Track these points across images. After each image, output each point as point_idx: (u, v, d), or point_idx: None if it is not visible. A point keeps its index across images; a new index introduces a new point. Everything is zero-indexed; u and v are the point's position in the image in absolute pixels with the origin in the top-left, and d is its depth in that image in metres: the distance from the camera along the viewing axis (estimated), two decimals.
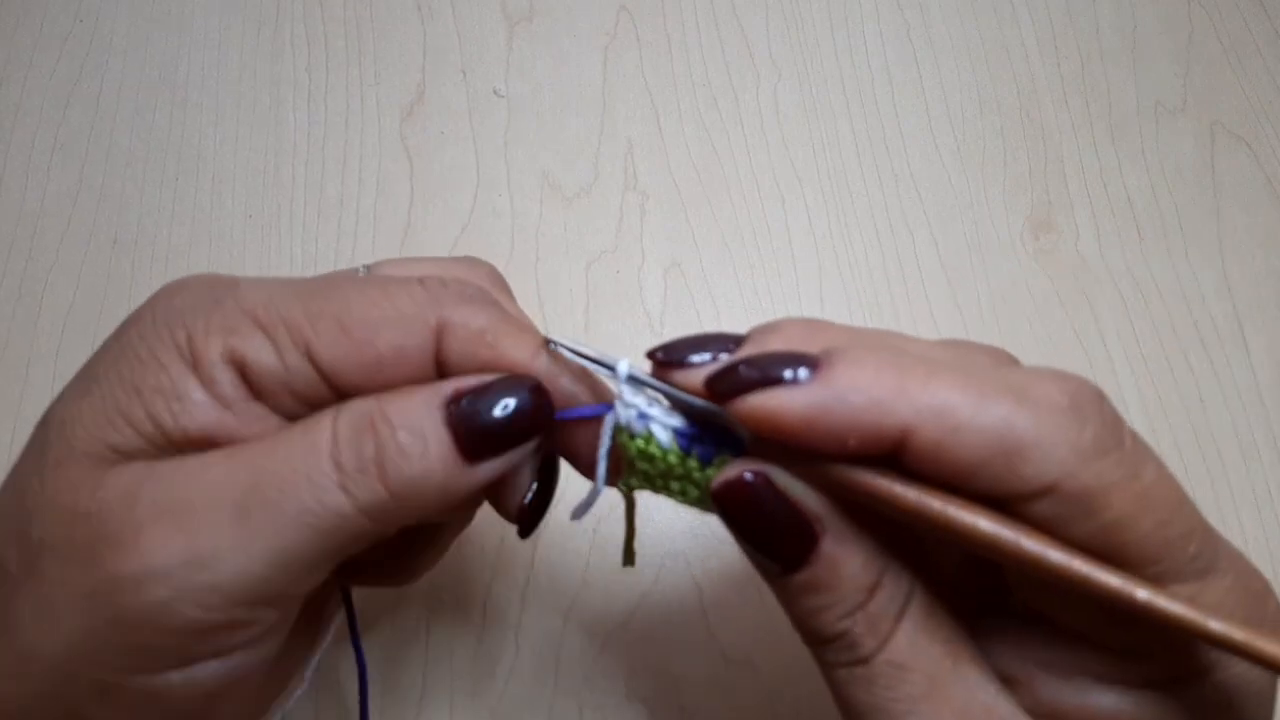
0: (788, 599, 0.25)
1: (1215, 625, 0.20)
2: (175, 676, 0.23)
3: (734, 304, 0.48)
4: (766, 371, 0.22)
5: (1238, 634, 0.20)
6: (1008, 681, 0.24)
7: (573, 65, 0.54)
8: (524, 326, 0.27)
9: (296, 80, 0.53)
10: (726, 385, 0.23)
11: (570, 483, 0.30)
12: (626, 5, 0.55)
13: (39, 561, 0.22)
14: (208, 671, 0.24)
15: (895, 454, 0.22)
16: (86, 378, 0.25)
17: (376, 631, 0.41)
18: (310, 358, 0.24)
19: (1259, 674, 0.23)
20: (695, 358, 0.24)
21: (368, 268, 0.29)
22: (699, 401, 0.25)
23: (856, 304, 0.48)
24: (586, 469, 0.27)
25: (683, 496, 0.26)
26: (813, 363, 0.22)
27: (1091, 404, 0.22)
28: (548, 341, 0.26)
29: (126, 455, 0.23)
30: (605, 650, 0.41)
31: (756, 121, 0.53)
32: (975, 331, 0.48)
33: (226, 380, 0.24)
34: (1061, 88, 0.54)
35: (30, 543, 0.23)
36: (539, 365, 0.26)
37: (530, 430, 0.25)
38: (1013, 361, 0.25)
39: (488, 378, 0.25)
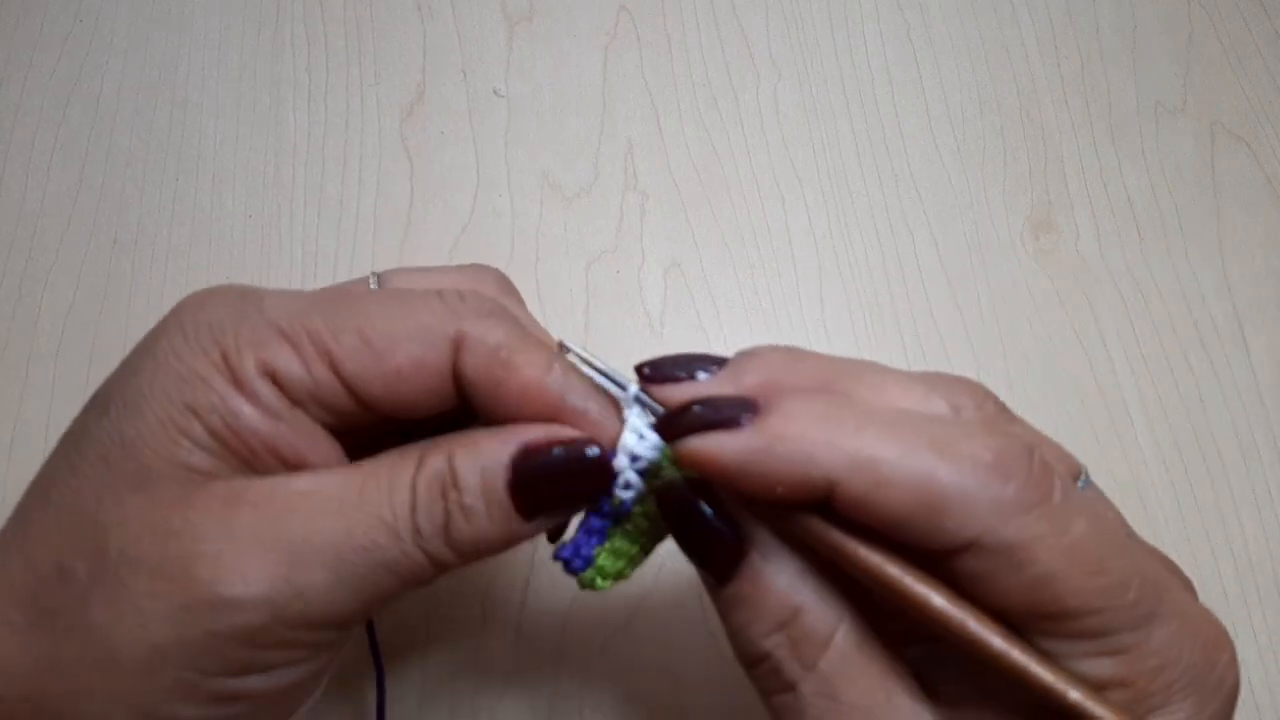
0: (722, 614, 0.26)
1: None
2: (255, 680, 0.25)
3: (734, 304, 0.48)
4: (709, 416, 0.24)
5: None
6: (950, 707, 0.24)
7: (573, 65, 0.54)
8: (538, 341, 0.27)
9: (296, 80, 0.53)
10: (675, 425, 0.24)
11: None
12: (626, 5, 0.55)
13: (122, 573, 0.24)
14: (283, 675, 0.25)
15: (826, 502, 0.23)
16: (131, 394, 0.25)
17: (375, 631, 0.41)
18: (334, 370, 0.25)
19: None
20: (681, 375, 0.26)
21: (378, 276, 0.30)
22: None
23: (856, 304, 0.48)
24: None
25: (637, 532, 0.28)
26: (753, 408, 0.23)
27: (1018, 459, 0.22)
28: (560, 346, 0.27)
29: (204, 473, 0.25)
30: (605, 650, 0.41)
31: (756, 121, 0.53)
32: (975, 331, 0.48)
33: (268, 392, 0.25)
34: (1061, 88, 0.54)
35: (108, 554, 0.24)
36: (551, 383, 0.26)
37: (592, 491, 0.26)
38: (984, 399, 0.25)
39: (556, 434, 0.26)
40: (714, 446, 0.23)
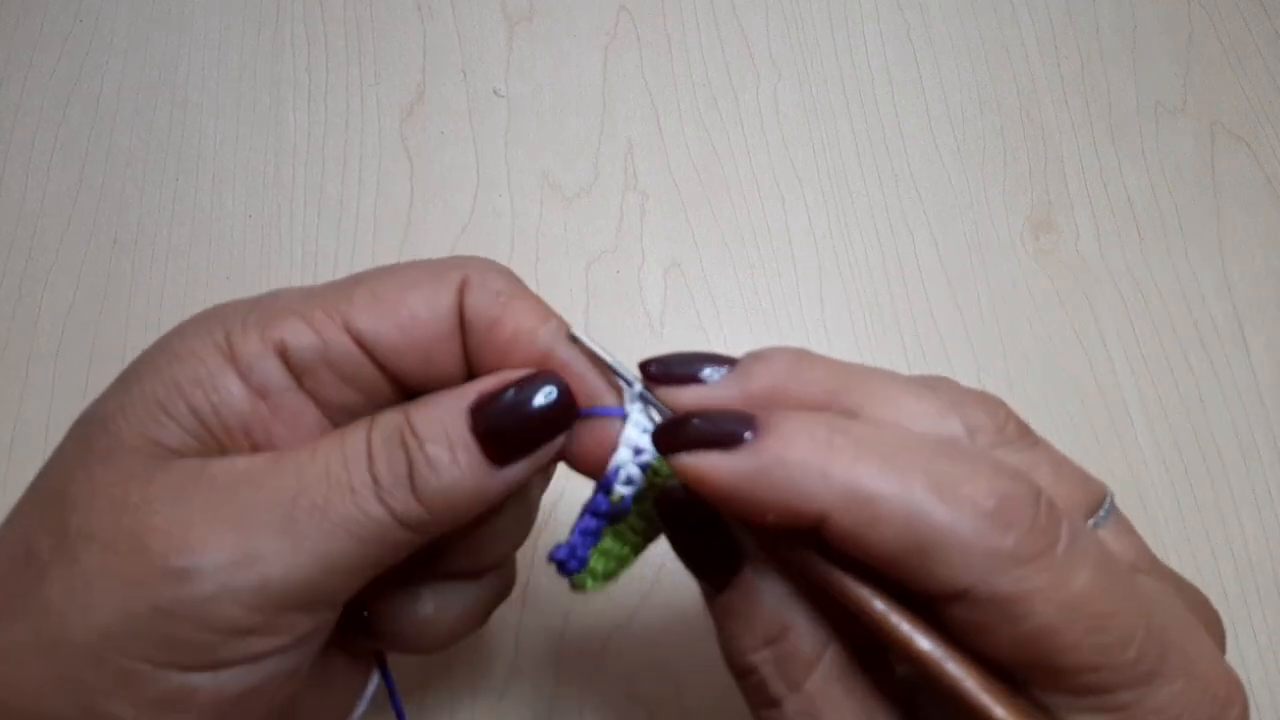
0: (715, 621, 0.25)
1: None
2: (201, 679, 0.23)
3: (734, 304, 0.48)
4: (706, 430, 0.23)
5: None
6: None
7: (573, 65, 0.54)
8: (539, 299, 0.27)
9: (296, 80, 0.53)
10: (671, 439, 0.23)
11: (567, 480, 0.30)
12: (626, 5, 0.55)
13: (77, 549, 0.23)
14: (233, 678, 0.24)
15: (817, 531, 0.22)
16: (127, 378, 0.25)
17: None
18: (348, 329, 0.25)
19: None
20: (687, 374, 0.25)
21: None
22: None
23: (856, 304, 0.48)
24: (589, 468, 0.27)
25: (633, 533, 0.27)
26: (752, 425, 0.22)
27: (1022, 506, 0.21)
28: (570, 336, 0.26)
29: (173, 451, 0.24)
30: (605, 650, 0.41)
31: (756, 121, 0.53)
32: (975, 331, 0.48)
33: (268, 369, 0.25)
34: (1061, 88, 0.54)
35: (68, 531, 0.23)
36: (543, 333, 0.26)
37: (556, 427, 0.25)
38: (1005, 420, 0.25)
39: (510, 375, 0.25)
40: (706, 467, 0.22)
